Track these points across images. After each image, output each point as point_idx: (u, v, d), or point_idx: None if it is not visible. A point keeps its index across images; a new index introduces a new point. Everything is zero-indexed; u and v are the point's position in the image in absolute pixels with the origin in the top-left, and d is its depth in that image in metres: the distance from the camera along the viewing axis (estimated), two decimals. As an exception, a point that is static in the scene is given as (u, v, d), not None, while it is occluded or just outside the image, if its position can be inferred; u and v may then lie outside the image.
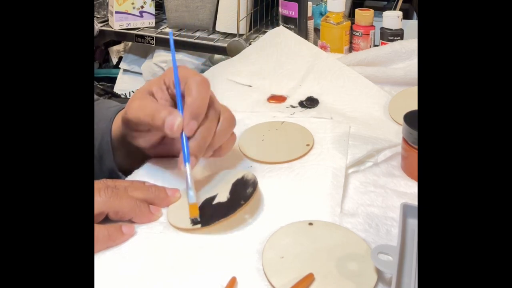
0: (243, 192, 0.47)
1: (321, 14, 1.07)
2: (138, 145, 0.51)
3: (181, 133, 0.45)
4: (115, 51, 1.81)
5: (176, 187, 0.51)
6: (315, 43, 0.96)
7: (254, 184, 0.47)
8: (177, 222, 0.46)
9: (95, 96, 0.65)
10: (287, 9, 0.98)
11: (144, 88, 0.50)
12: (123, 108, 0.54)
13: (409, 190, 0.52)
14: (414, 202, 0.45)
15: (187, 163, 0.45)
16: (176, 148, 0.52)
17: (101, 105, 0.60)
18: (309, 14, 0.99)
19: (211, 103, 0.47)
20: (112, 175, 0.55)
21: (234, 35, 1.27)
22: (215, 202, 0.47)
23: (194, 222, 0.45)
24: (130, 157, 0.55)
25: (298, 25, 0.97)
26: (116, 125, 0.55)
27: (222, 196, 0.48)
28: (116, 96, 1.59)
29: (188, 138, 0.46)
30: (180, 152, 0.45)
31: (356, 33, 0.94)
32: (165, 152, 0.53)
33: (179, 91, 0.47)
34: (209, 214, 0.46)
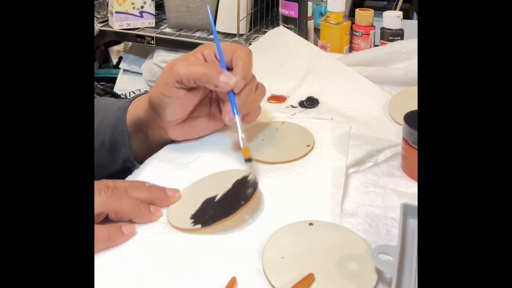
0: (244, 192, 0.47)
1: (321, 14, 1.07)
2: (164, 120, 0.55)
3: (229, 93, 0.53)
4: (115, 51, 1.81)
5: (178, 187, 0.51)
6: (315, 43, 0.96)
7: (254, 185, 0.47)
8: (177, 223, 0.46)
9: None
10: (287, 9, 0.98)
11: (183, 58, 0.55)
12: (138, 96, 0.60)
13: (409, 190, 0.52)
14: (414, 202, 0.45)
15: (236, 115, 0.52)
16: (197, 128, 0.57)
17: (105, 102, 0.64)
18: (309, 14, 0.99)
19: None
20: (126, 164, 0.58)
21: (234, 35, 1.27)
22: (215, 202, 0.47)
23: (246, 160, 0.53)
24: (146, 143, 0.58)
25: (298, 25, 0.97)
26: (133, 112, 0.58)
27: (222, 196, 0.48)
28: (116, 96, 1.59)
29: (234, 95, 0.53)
30: (225, 107, 0.53)
31: (356, 33, 0.94)
32: (183, 133, 0.57)
33: (221, 55, 0.54)
34: (209, 214, 0.46)
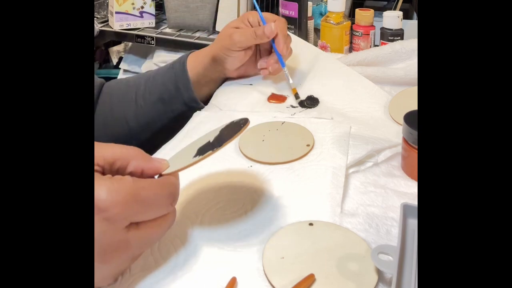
0: (236, 125, 0.45)
1: (321, 14, 1.07)
2: (227, 68, 0.75)
3: (273, 46, 0.73)
4: (115, 51, 1.81)
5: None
6: (315, 43, 0.96)
7: (243, 119, 0.45)
8: (179, 166, 0.42)
9: (101, 79, 0.82)
10: (287, 9, 0.98)
11: (232, 25, 0.75)
12: (188, 55, 0.78)
13: (409, 190, 0.52)
14: (414, 202, 0.45)
15: (284, 67, 0.73)
16: (247, 70, 0.78)
17: (138, 75, 0.83)
18: (309, 14, 0.99)
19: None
20: (191, 104, 0.75)
21: (234, 35, 1.27)
22: (211, 143, 0.44)
23: (296, 97, 0.71)
24: (206, 83, 0.77)
25: (298, 25, 0.97)
26: (194, 66, 0.76)
27: (216, 138, 0.44)
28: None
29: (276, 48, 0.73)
30: (269, 60, 0.74)
31: (356, 33, 0.94)
32: (238, 74, 0.77)
33: (263, 21, 0.74)
34: (211, 145, 0.43)
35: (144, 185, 0.38)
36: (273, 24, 0.72)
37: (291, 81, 0.72)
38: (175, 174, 0.41)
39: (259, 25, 0.74)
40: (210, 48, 0.76)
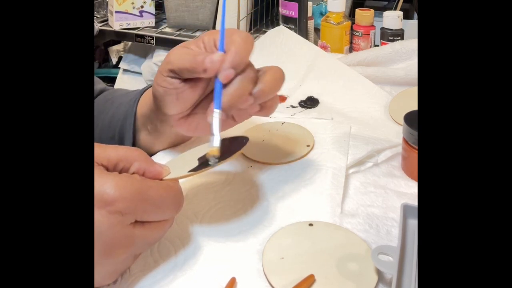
0: (237, 140, 0.44)
1: (321, 14, 1.07)
2: (164, 112, 0.51)
3: (216, 79, 0.45)
4: (115, 51, 1.81)
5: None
6: (315, 43, 0.96)
7: (244, 137, 0.44)
8: (173, 175, 0.42)
9: (103, 86, 0.68)
10: (287, 9, 0.98)
11: (181, 45, 0.50)
12: (150, 87, 0.56)
13: (410, 190, 0.52)
14: (414, 202, 0.45)
15: (217, 109, 0.45)
16: (201, 125, 0.52)
17: (120, 92, 0.64)
18: (309, 14, 0.99)
19: (251, 63, 0.47)
20: None
21: (234, 35, 1.27)
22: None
23: (208, 163, 0.43)
24: (156, 136, 0.57)
25: (298, 25, 0.97)
26: (143, 104, 0.56)
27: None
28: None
29: (223, 87, 0.45)
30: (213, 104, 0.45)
31: (357, 33, 0.94)
32: (189, 129, 0.53)
33: (223, 41, 0.47)
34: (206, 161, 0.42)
35: (151, 184, 0.39)
36: (221, 54, 0.45)
37: (218, 137, 0.44)
38: (175, 181, 0.41)
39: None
40: None
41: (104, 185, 0.36)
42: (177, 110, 0.50)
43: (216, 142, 0.43)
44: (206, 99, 0.52)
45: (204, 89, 0.50)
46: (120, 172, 0.40)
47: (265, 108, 0.49)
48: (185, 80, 0.48)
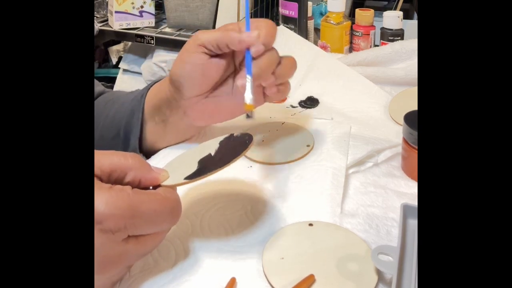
0: (240, 141, 0.44)
1: (321, 14, 1.07)
2: (184, 94, 0.53)
3: (247, 52, 0.50)
4: (115, 51, 1.81)
5: None
6: (315, 43, 0.96)
7: (247, 135, 0.45)
8: (170, 182, 0.42)
9: (102, 88, 0.69)
10: (287, 9, 0.98)
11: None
12: (155, 83, 0.59)
13: (409, 190, 0.52)
14: (414, 202, 0.45)
15: (249, 75, 0.49)
16: (218, 108, 0.55)
17: (120, 93, 0.65)
18: (309, 14, 0.99)
19: (274, 48, 0.52)
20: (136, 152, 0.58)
21: (234, 35, 1.27)
22: (213, 156, 0.44)
23: (248, 116, 0.52)
24: (163, 128, 0.58)
25: (298, 25, 0.97)
26: (152, 96, 0.58)
27: (217, 151, 0.44)
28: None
29: (252, 59, 0.50)
30: (241, 73, 0.49)
31: (357, 33, 0.94)
32: (204, 114, 0.55)
33: (248, 24, 0.51)
34: (214, 161, 0.43)
35: (144, 198, 0.37)
36: (257, 32, 0.50)
37: (250, 95, 0.49)
38: (172, 190, 0.40)
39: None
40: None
41: (95, 202, 0.35)
42: (200, 89, 0.53)
43: (249, 100, 0.49)
44: (224, 81, 0.55)
45: (226, 67, 0.53)
46: (115, 182, 0.39)
47: (279, 91, 0.53)
48: (211, 57, 0.51)
